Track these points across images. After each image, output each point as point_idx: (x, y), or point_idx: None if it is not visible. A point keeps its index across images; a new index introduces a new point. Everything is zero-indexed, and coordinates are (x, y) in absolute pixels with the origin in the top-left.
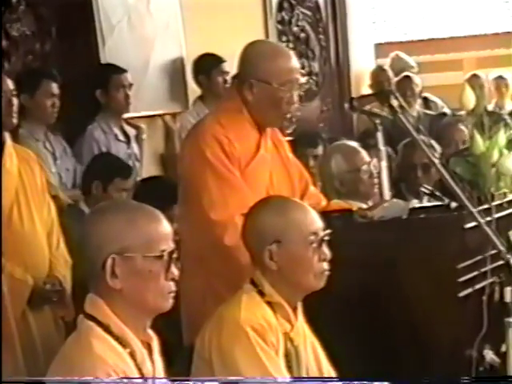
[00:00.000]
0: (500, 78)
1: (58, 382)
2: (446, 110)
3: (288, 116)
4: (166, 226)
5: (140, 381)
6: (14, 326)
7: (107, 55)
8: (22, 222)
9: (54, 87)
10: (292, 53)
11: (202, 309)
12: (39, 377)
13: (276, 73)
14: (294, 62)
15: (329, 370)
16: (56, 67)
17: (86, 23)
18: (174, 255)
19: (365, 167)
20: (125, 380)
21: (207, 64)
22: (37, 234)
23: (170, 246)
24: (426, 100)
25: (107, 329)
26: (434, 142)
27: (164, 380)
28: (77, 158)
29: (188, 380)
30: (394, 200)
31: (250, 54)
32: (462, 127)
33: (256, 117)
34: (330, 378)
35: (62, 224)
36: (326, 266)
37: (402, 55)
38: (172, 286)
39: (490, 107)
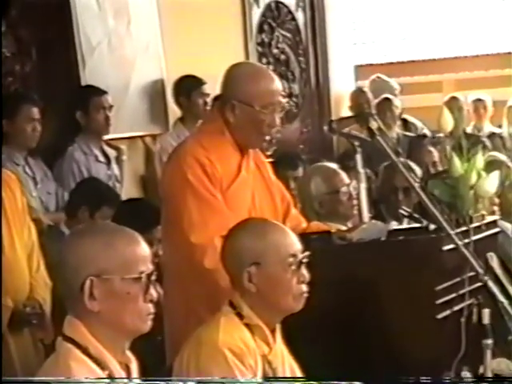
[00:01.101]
0: (479, 100)
1: (59, 382)
2: (426, 132)
3: (268, 138)
4: (144, 248)
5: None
6: None
7: (87, 77)
8: (1, 245)
9: (35, 112)
10: (274, 75)
11: (184, 330)
12: None
13: (258, 95)
14: (277, 85)
15: None
16: (36, 89)
17: (66, 45)
18: (153, 277)
19: (344, 189)
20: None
21: (187, 86)
22: (17, 256)
23: (148, 267)
24: (405, 122)
25: (86, 351)
26: (413, 164)
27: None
28: (58, 180)
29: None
30: (373, 221)
31: (233, 76)
32: (432, 149)
33: (237, 138)
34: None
35: (42, 245)
36: (304, 288)
37: (384, 77)
38: (151, 308)
39: (469, 129)
